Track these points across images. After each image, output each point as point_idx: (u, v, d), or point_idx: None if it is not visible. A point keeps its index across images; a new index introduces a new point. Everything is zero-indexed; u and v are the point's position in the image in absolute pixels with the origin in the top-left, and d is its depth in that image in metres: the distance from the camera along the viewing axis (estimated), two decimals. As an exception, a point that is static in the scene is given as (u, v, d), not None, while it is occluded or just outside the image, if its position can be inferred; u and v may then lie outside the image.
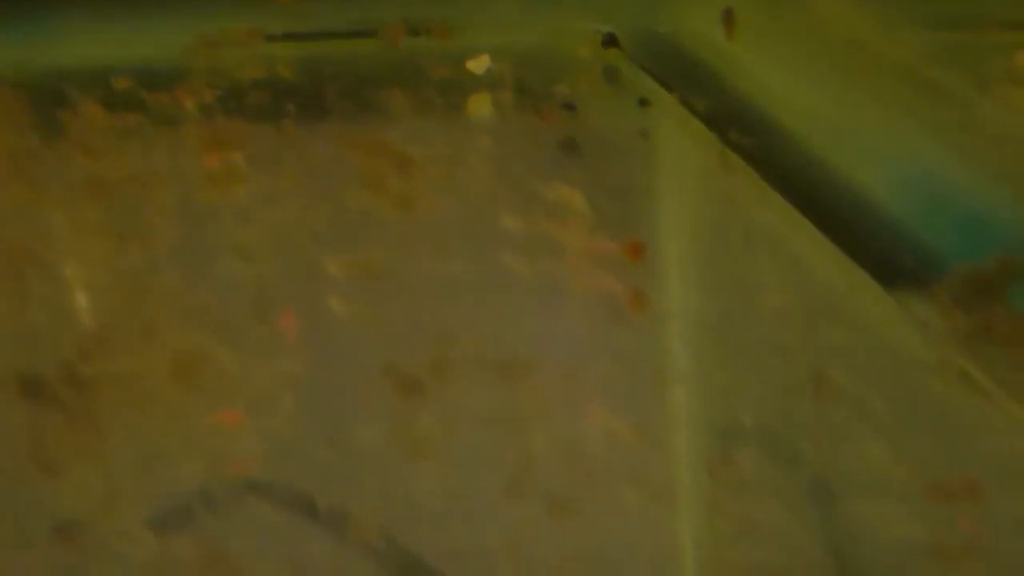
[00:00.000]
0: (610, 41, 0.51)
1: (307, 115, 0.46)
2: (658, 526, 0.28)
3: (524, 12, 0.51)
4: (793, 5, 0.46)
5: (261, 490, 0.28)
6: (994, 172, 0.36)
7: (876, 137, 0.42)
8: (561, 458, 0.29)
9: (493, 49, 0.49)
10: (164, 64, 0.47)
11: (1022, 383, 0.31)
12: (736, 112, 0.45)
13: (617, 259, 0.36)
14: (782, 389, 0.31)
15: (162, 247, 0.36)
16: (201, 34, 0.48)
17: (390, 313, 0.34)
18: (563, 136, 0.44)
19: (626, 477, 0.28)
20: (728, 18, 0.49)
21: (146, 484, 0.27)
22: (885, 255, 0.37)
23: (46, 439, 0.27)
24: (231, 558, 0.26)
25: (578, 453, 0.29)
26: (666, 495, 0.28)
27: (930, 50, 0.42)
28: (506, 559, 0.28)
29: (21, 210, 0.37)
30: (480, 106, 0.47)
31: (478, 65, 0.48)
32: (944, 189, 0.40)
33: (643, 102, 0.46)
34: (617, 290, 0.35)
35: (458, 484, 0.28)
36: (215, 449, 0.28)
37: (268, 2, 0.49)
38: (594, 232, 0.38)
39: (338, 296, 0.34)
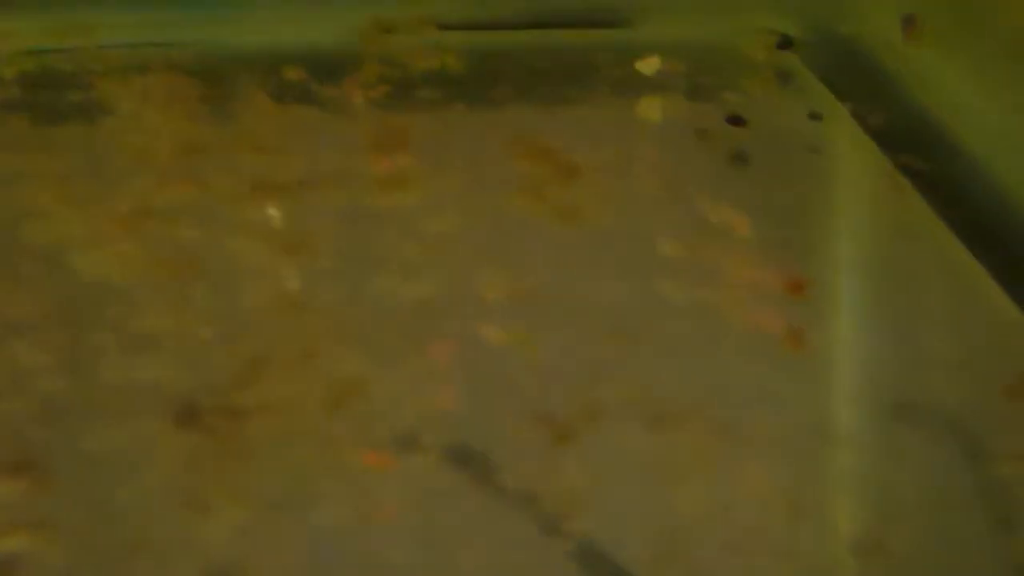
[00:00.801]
0: (785, 43, 0.50)
1: (475, 110, 0.46)
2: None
3: (696, 5, 0.50)
4: (982, 8, 0.44)
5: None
6: None
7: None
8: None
9: (665, 45, 0.48)
10: (335, 52, 0.47)
11: None
12: (912, 129, 0.44)
13: (778, 293, 0.36)
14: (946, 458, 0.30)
15: (325, 259, 0.36)
16: (374, 20, 0.48)
17: (545, 345, 0.34)
18: (732, 148, 0.43)
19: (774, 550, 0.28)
20: (908, 22, 0.47)
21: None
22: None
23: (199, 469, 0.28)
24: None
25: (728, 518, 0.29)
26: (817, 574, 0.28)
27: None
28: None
29: (190, 211, 0.37)
30: (650, 110, 0.46)
31: (648, 66, 0.47)
32: None
33: (814, 115, 0.45)
34: (776, 327, 0.35)
35: (601, 542, 0.28)
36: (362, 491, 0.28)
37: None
38: (756, 260, 0.37)
39: (493, 323, 0.34)
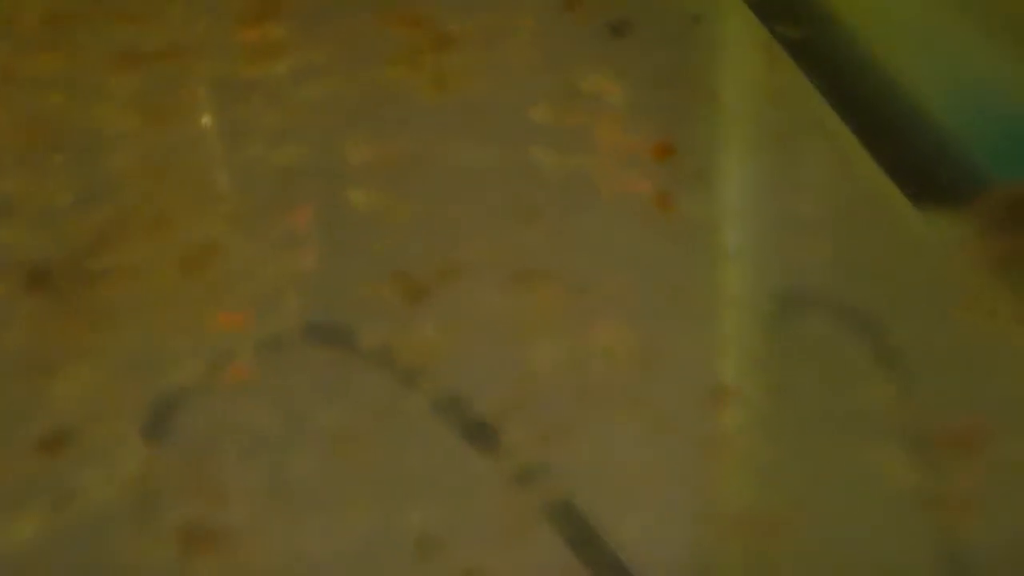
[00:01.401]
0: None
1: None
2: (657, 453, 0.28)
3: None
4: None
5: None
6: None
7: (929, 32, 0.40)
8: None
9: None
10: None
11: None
12: (787, 1, 0.44)
13: (648, 157, 0.36)
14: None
15: (190, 127, 0.35)
16: None
17: (407, 209, 0.34)
18: (611, 18, 0.43)
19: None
20: None
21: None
22: (924, 168, 0.36)
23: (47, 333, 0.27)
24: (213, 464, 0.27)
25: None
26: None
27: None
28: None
29: (56, 78, 0.37)
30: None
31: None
32: (995, 99, 0.38)
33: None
34: (644, 190, 0.35)
35: (451, 400, 0.28)
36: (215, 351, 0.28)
37: None
38: (627, 126, 0.37)
39: (357, 188, 0.34)
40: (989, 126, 0.38)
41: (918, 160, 0.36)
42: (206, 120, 0.37)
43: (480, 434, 0.27)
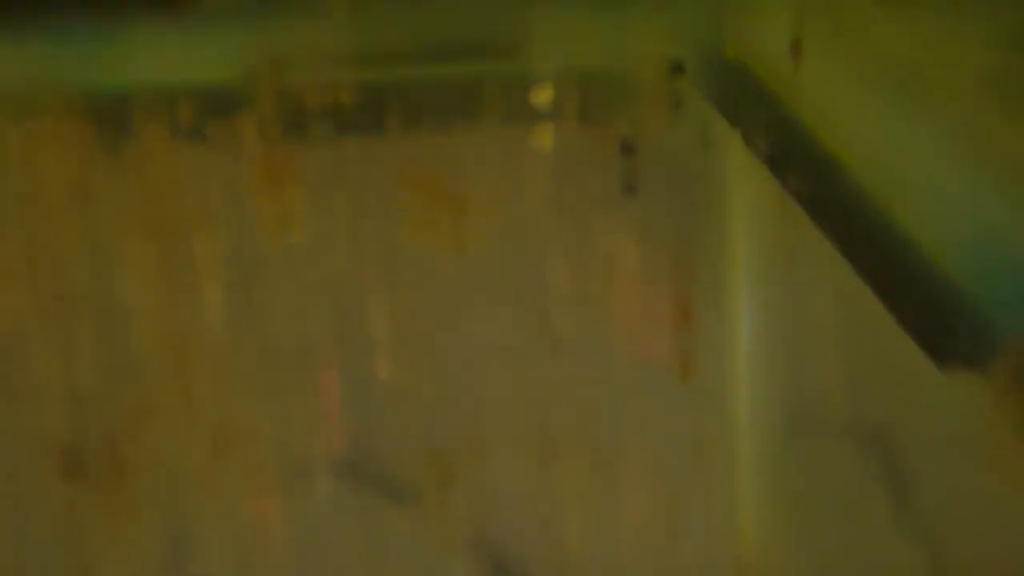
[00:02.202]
0: (676, 69, 0.50)
1: (367, 144, 0.46)
2: None
3: (589, 31, 0.50)
4: (858, 29, 0.45)
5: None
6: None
7: (941, 185, 0.41)
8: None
9: (555, 73, 0.49)
10: (228, 89, 0.47)
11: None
12: (800, 153, 0.45)
13: (667, 320, 0.36)
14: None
15: (212, 301, 0.36)
16: (267, 55, 0.48)
17: (432, 380, 0.34)
18: (623, 175, 0.44)
19: None
20: (795, 48, 0.48)
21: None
22: (941, 324, 0.37)
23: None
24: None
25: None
26: None
27: (997, 75, 0.41)
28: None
29: (79, 251, 0.37)
30: (542, 138, 0.47)
31: (541, 95, 0.47)
32: (1010, 251, 0.39)
33: (705, 141, 0.46)
34: (664, 355, 0.35)
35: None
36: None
37: (331, 22, 0.49)
38: (645, 289, 0.38)
39: (381, 359, 0.34)
40: (1005, 279, 0.39)
41: (934, 316, 0.37)
42: (228, 295, 0.37)
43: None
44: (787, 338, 0.36)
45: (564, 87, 0.47)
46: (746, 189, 0.44)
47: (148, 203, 0.41)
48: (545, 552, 0.29)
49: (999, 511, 0.30)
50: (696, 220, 0.42)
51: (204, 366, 0.33)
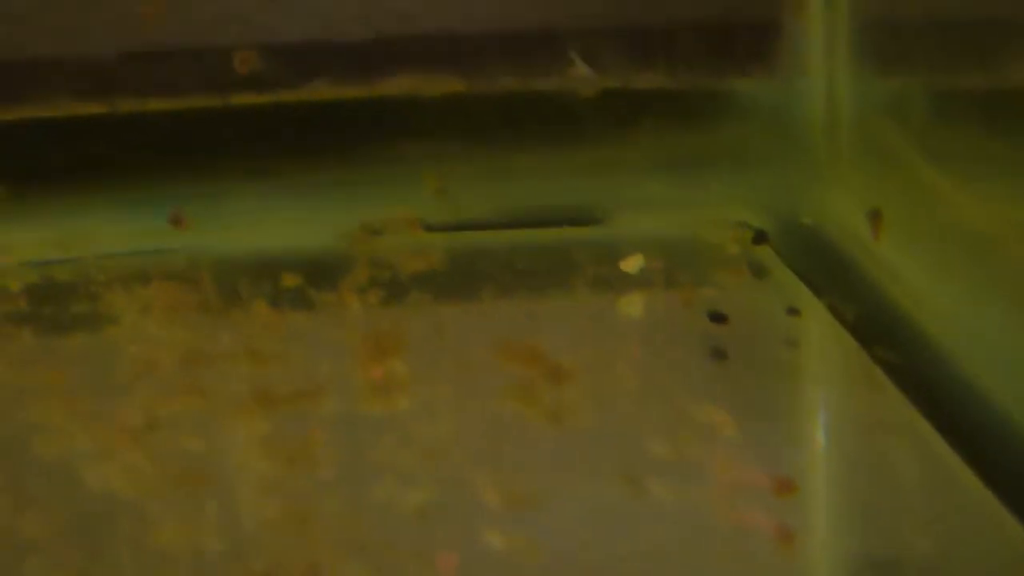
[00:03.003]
0: (760, 238, 0.52)
1: (463, 312, 0.48)
2: None
3: (672, 200, 0.52)
4: (936, 202, 0.46)
5: None
6: None
7: (1021, 352, 0.42)
8: None
9: (640, 241, 0.50)
10: (328, 256, 0.49)
11: None
12: (884, 322, 0.46)
13: (765, 492, 0.37)
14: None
15: (326, 469, 0.37)
16: (361, 223, 0.50)
17: (544, 551, 0.35)
18: (711, 343, 0.45)
19: None
20: (874, 218, 0.50)
21: None
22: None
23: None
24: None
25: None
26: None
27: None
28: None
29: (194, 421, 0.39)
30: (631, 306, 0.48)
31: (631, 264, 0.49)
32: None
33: (792, 311, 0.47)
34: (763, 526, 0.36)
35: None
36: None
37: (425, 191, 0.51)
38: (741, 458, 0.39)
39: (494, 530, 0.36)
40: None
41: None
42: (340, 462, 0.38)
43: None
44: (875, 506, 0.38)
45: (651, 255, 0.49)
46: (834, 357, 0.45)
47: (257, 368, 0.42)
48: None
49: None
50: (784, 386, 0.43)
51: (323, 533, 0.35)
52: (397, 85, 0.51)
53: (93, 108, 0.48)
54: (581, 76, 0.52)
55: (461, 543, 0.34)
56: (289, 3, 0.49)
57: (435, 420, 0.40)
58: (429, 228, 0.49)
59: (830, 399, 0.42)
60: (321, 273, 0.46)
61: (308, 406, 0.40)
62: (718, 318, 0.45)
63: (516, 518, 0.35)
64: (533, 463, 0.38)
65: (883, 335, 0.44)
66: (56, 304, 0.45)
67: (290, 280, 0.46)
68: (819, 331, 0.45)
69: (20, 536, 0.34)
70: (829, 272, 0.48)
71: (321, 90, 0.50)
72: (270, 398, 0.40)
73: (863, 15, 0.49)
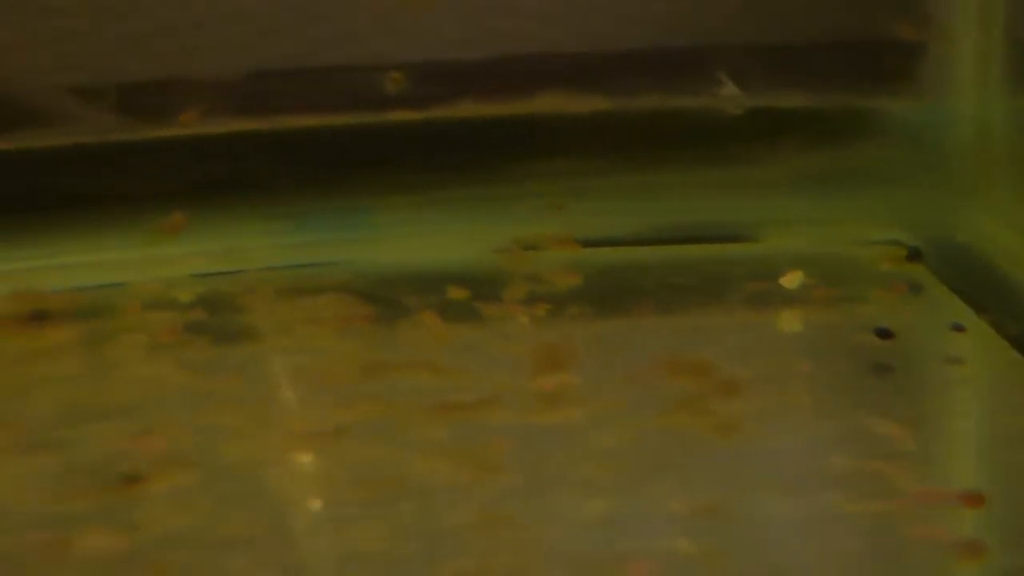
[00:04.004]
0: (914, 255, 0.52)
1: (624, 326, 0.48)
2: None
3: (825, 218, 0.52)
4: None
5: None
6: None
7: None
8: None
9: (793, 258, 0.51)
10: (490, 271, 0.49)
11: None
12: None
13: (952, 505, 0.37)
14: None
15: (511, 477, 0.38)
16: (517, 238, 0.50)
17: (732, 559, 0.35)
18: (873, 359, 0.45)
19: None
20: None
21: None
22: None
23: None
24: None
25: None
26: None
27: None
28: None
29: (377, 428, 0.39)
30: (792, 322, 0.49)
31: (791, 280, 0.49)
32: None
33: (957, 327, 0.47)
34: (951, 538, 0.36)
35: None
36: None
37: (575, 208, 0.52)
38: (923, 472, 0.39)
39: (684, 538, 0.36)
40: None
41: None
42: (523, 469, 0.39)
43: None
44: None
45: (806, 271, 0.49)
46: (1001, 371, 0.45)
47: (434, 378, 0.43)
48: None
49: None
50: (955, 401, 0.43)
51: (517, 537, 0.35)
52: (545, 103, 0.52)
53: (252, 125, 0.49)
54: (727, 95, 0.52)
55: (652, 550, 0.34)
56: (438, 23, 0.50)
57: (610, 431, 0.40)
58: (583, 244, 0.50)
59: (1003, 413, 0.42)
60: (484, 287, 0.47)
61: (486, 415, 0.40)
62: (885, 334, 0.45)
63: (703, 526, 0.36)
64: (712, 473, 0.38)
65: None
66: (226, 314, 0.45)
67: (456, 293, 0.46)
68: (984, 347, 0.45)
69: (222, 534, 0.35)
70: (987, 289, 0.48)
71: (470, 108, 0.51)
72: (449, 407, 0.40)
73: (1018, 34, 0.49)
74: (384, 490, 0.36)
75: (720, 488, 0.37)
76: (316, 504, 0.36)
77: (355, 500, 0.36)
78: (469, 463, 0.38)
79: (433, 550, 0.34)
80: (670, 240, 0.51)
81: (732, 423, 0.40)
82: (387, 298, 0.46)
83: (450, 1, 0.50)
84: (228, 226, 0.48)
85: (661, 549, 0.34)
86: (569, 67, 0.52)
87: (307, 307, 0.45)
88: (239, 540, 0.34)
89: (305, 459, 0.38)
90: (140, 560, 0.34)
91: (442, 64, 0.50)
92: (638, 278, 0.49)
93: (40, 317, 0.44)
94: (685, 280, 0.49)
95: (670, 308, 0.47)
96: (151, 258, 0.47)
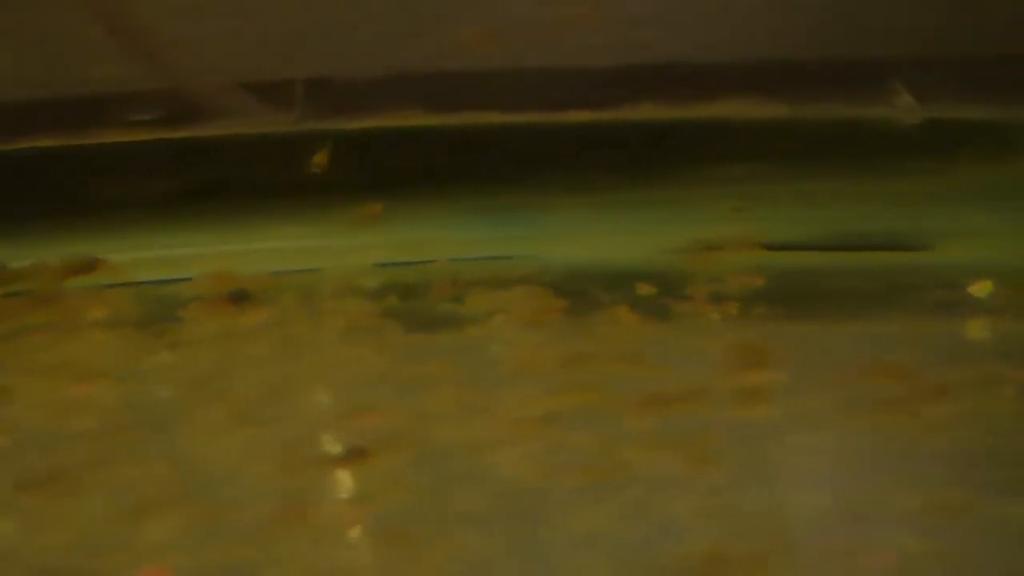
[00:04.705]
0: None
1: (813, 328, 0.48)
2: None
3: (995, 230, 0.52)
4: None
5: None
6: None
7: None
8: None
9: (973, 267, 0.50)
10: (676, 269, 0.49)
11: None
12: None
13: None
14: None
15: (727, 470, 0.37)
16: (698, 239, 0.50)
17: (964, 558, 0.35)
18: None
19: None
20: None
21: None
22: None
23: None
24: None
25: None
26: None
27: None
28: None
29: (582, 420, 0.39)
30: (979, 330, 0.48)
31: (981, 289, 0.49)
32: None
33: None
34: None
35: None
36: None
37: (752, 211, 0.51)
38: None
39: (912, 536, 0.36)
40: None
41: None
42: (735, 462, 0.39)
43: None
44: None
45: (995, 281, 0.49)
46: None
47: (634, 370, 0.43)
48: None
49: None
50: None
51: (745, 527, 0.35)
52: (725, 109, 0.52)
53: (440, 120, 0.49)
54: (904, 105, 0.52)
55: (886, 544, 0.34)
56: (619, 25, 0.50)
57: (820, 428, 0.39)
58: (765, 247, 0.50)
59: None
60: (670, 284, 0.47)
61: (693, 408, 0.40)
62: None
63: (935, 524, 0.35)
64: (936, 472, 0.38)
65: None
66: (419, 302, 0.45)
67: (644, 289, 0.46)
68: None
69: (451, 511, 0.35)
70: None
71: (648, 110, 0.51)
72: (657, 399, 0.40)
73: None
74: (604, 476, 0.36)
75: (947, 486, 0.37)
76: (539, 486, 0.36)
77: (576, 484, 0.36)
78: (685, 454, 0.37)
79: (662, 535, 0.34)
80: (850, 246, 0.50)
81: (944, 424, 0.40)
82: (577, 292, 0.46)
83: (632, 6, 0.50)
84: (415, 217, 0.49)
85: (895, 544, 0.34)
86: (747, 73, 0.51)
87: (499, 298, 0.45)
88: (468, 517, 0.34)
89: (521, 443, 0.38)
90: (374, 532, 0.34)
91: (622, 68, 0.50)
92: (822, 282, 0.49)
93: (240, 298, 0.44)
94: (870, 286, 0.48)
95: (859, 313, 0.47)
96: (343, 246, 0.47)
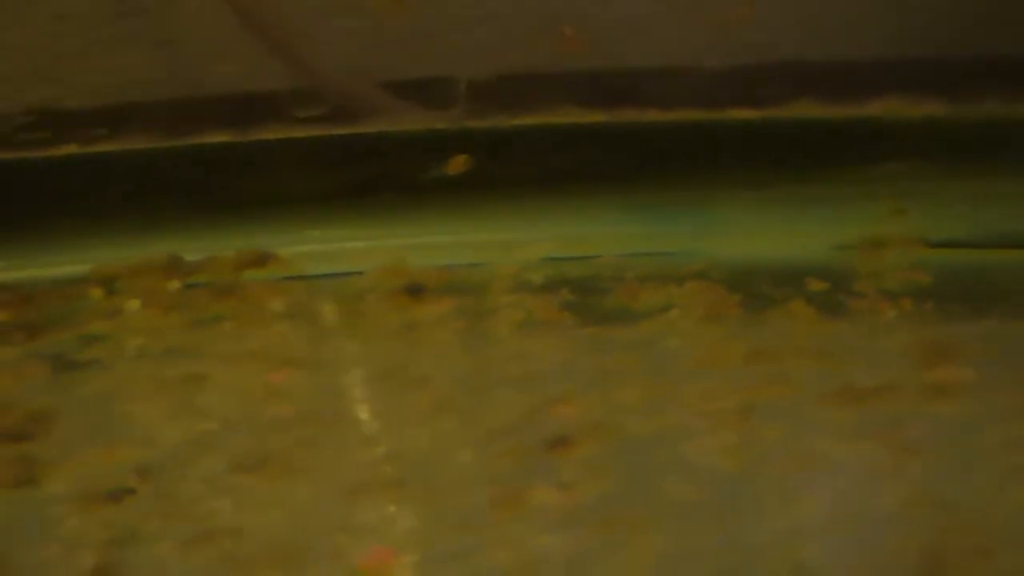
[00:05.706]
0: None
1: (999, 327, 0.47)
2: None
3: None
4: None
5: None
6: None
7: None
8: None
9: None
10: (845, 265, 0.49)
11: None
12: None
13: None
14: None
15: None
16: (865, 235, 0.50)
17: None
18: None
19: None
20: None
21: None
22: None
23: None
24: None
25: None
26: None
27: None
28: None
29: (769, 412, 0.39)
30: None
31: None
32: None
33: None
34: None
35: None
36: None
37: (920, 208, 0.51)
38: None
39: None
40: None
41: None
42: (939, 454, 0.38)
43: None
44: None
45: None
46: None
47: (819, 365, 0.42)
48: None
49: None
50: None
51: (962, 523, 0.35)
52: (883, 107, 0.51)
53: (603, 118, 0.49)
54: (1063, 102, 0.51)
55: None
56: (775, 24, 0.50)
57: (1014, 424, 0.39)
58: (928, 244, 0.49)
59: None
60: (841, 280, 0.46)
61: (885, 402, 0.40)
62: None
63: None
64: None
65: None
66: (593, 297, 0.45)
67: (816, 285, 0.46)
68: None
69: (658, 499, 0.35)
70: None
71: (809, 108, 0.50)
72: (847, 393, 0.40)
73: None
74: (807, 466, 0.36)
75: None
76: (742, 476, 0.36)
77: (781, 475, 0.36)
78: (883, 446, 0.37)
79: (876, 527, 0.33)
80: (1015, 245, 0.50)
81: None
82: (748, 287, 0.45)
83: (785, 5, 0.50)
84: (581, 213, 0.49)
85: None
86: (907, 72, 0.51)
87: (673, 293, 0.45)
88: (675, 505, 0.34)
89: (717, 434, 0.38)
90: (588, 515, 0.33)
91: (781, 66, 0.50)
92: (991, 280, 0.48)
93: (415, 291, 0.44)
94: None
95: (1025, 311, 0.46)
96: (510, 240, 0.47)
